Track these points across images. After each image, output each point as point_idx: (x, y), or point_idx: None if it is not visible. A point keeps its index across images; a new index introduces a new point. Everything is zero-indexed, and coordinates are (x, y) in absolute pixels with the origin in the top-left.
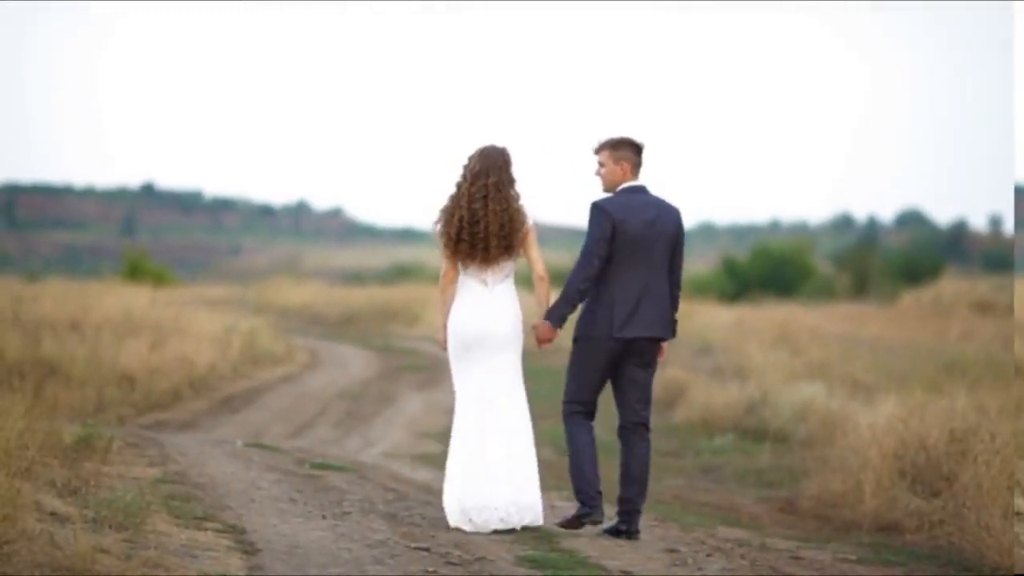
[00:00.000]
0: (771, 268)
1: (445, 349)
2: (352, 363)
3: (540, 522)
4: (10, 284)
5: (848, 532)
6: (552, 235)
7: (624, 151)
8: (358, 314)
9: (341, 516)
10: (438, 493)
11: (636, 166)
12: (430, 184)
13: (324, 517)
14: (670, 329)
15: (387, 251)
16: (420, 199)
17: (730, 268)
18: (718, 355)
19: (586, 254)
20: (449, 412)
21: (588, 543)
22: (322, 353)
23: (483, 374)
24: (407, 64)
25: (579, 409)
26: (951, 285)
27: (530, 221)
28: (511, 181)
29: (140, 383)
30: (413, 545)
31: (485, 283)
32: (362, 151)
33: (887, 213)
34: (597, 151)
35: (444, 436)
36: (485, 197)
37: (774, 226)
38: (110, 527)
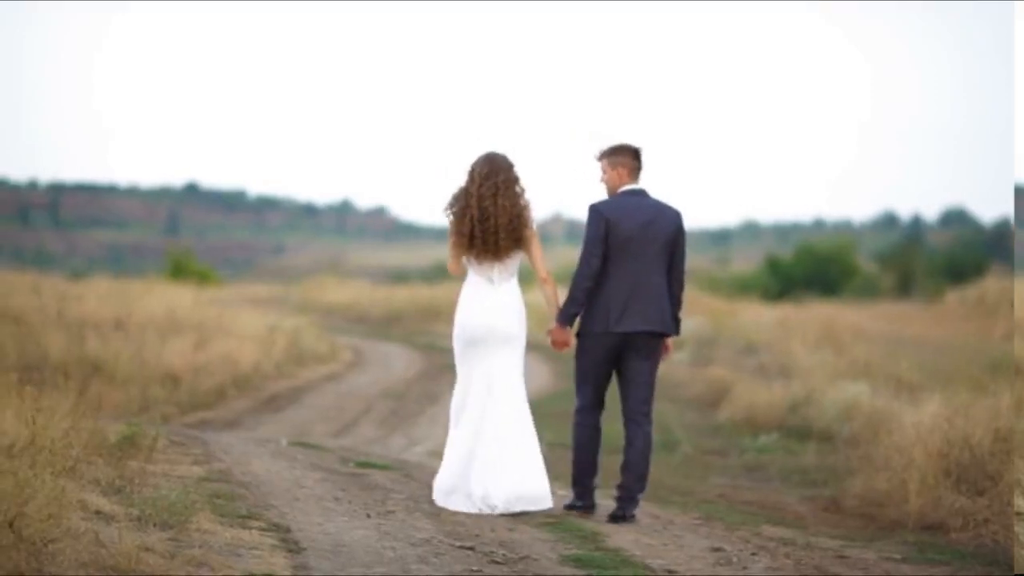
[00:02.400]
0: (815, 267)
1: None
2: (396, 362)
3: (548, 506)
4: (54, 283)
5: (893, 531)
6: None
7: (621, 157)
8: (401, 313)
9: (385, 514)
10: None
11: (634, 170)
12: None
13: (368, 515)
14: (670, 325)
15: (430, 250)
16: None
17: (774, 267)
18: (762, 354)
19: (585, 254)
20: None
21: (633, 541)
22: (366, 352)
23: (486, 368)
24: (452, 64)
25: (587, 401)
26: (995, 284)
27: (534, 224)
28: (517, 179)
29: (184, 382)
30: (457, 544)
31: (491, 281)
32: (406, 150)
33: (931, 212)
34: (599, 159)
35: None
36: (495, 195)
37: (818, 225)
38: (155, 525)
